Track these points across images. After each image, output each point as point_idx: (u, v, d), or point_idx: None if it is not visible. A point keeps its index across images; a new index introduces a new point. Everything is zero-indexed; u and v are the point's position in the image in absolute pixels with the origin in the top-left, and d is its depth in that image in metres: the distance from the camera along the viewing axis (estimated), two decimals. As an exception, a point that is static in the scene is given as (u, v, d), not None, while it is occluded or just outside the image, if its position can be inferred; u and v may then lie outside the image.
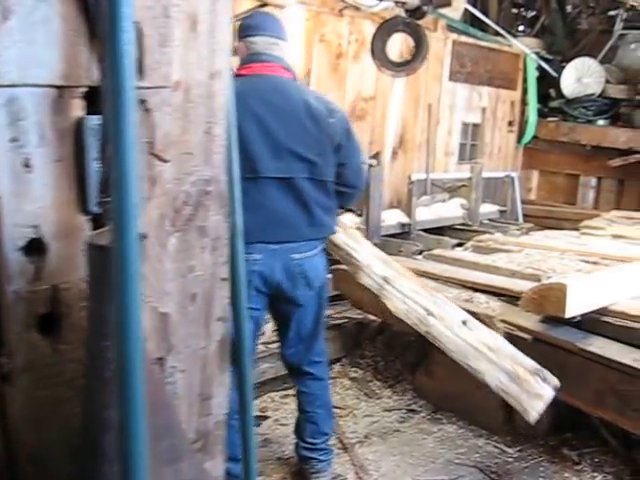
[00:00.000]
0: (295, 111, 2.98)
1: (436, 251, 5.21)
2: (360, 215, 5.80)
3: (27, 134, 1.19)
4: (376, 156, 5.73)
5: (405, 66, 5.53)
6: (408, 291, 3.82)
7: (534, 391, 3.28)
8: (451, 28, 8.10)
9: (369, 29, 6.71)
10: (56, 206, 1.25)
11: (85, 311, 1.27)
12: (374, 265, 3.90)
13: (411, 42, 6.06)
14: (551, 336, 3.56)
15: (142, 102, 1.28)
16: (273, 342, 4.64)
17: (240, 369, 1.51)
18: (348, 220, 5.81)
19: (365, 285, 3.93)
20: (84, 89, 1.26)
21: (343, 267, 4.77)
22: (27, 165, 1.20)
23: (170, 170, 1.34)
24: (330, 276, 4.93)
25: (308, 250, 3.11)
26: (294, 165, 2.95)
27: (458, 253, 5.26)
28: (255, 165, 2.82)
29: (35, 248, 1.24)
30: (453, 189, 6.92)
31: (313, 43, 6.61)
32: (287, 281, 3.07)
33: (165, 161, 1.33)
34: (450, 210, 6.71)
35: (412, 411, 4.36)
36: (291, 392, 4.50)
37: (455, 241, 6.09)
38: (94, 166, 1.25)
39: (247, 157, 2.68)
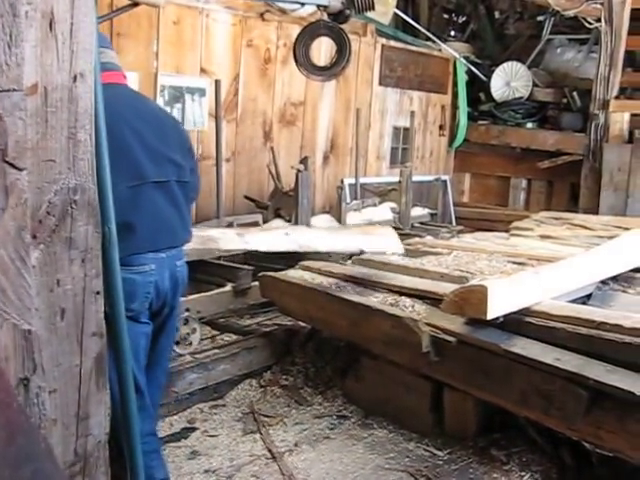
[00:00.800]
0: (157, 116, 3.05)
1: (364, 255, 5.18)
2: (289, 221, 5.75)
3: None
4: (304, 161, 5.70)
5: (328, 70, 5.51)
6: (263, 233, 4.85)
7: (383, 231, 4.55)
8: (380, 33, 8.13)
9: (297, 34, 6.68)
10: None
11: None
12: (227, 233, 4.77)
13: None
14: (475, 338, 3.55)
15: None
16: (201, 352, 4.56)
17: (121, 386, 1.44)
18: (275, 226, 5.78)
19: (234, 250, 4.71)
20: None
21: (271, 274, 4.75)
22: None
23: (28, 179, 1.26)
24: (257, 283, 4.90)
25: (183, 256, 3.12)
26: (168, 168, 2.95)
27: (386, 257, 5.25)
28: (138, 171, 2.77)
29: None
30: (383, 193, 6.93)
31: (240, 48, 6.55)
32: (171, 290, 3.02)
33: (20, 169, 1.25)
34: (381, 214, 6.71)
35: (342, 417, 4.32)
36: (220, 402, 4.43)
37: (386, 245, 6.07)
38: None
39: (129, 164, 2.66)
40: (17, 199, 1.24)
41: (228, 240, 4.58)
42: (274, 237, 4.72)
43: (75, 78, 1.28)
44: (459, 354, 3.60)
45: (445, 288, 4.02)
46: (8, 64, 1.19)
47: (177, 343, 4.43)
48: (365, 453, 3.90)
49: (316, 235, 4.74)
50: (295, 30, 6.72)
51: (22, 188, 1.25)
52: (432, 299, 4.03)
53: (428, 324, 3.75)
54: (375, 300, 4.13)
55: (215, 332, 5.22)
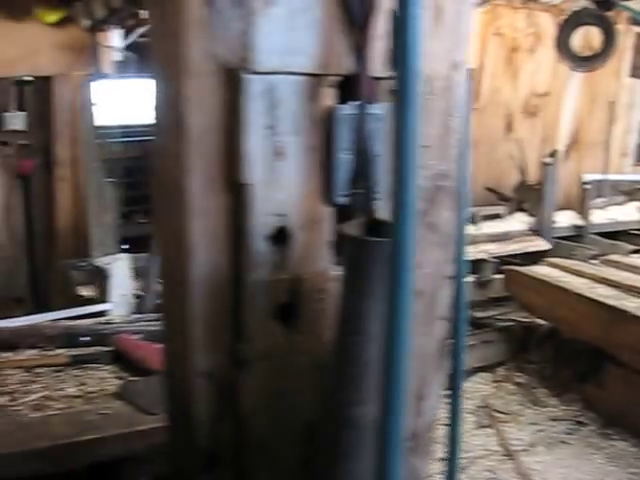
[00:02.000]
0: None
1: (613, 257, 4.94)
2: (533, 215, 5.59)
3: (282, 122, 1.19)
4: (553, 154, 5.51)
5: (592, 60, 5.25)
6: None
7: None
8: (634, 21, 7.63)
9: (547, 22, 6.44)
10: (304, 195, 1.25)
11: (321, 303, 1.28)
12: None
13: (595, 36, 5.75)
14: None
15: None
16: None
17: (454, 372, 1.47)
18: (520, 220, 5.64)
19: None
20: (337, 78, 1.25)
21: (517, 269, 4.67)
22: (280, 153, 1.20)
23: (407, 162, 1.31)
24: (502, 277, 4.84)
25: None
26: None
27: (636, 260, 4.97)
28: None
29: (280, 237, 1.24)
30: (631, 192, 6.52)
31: (487, 36, 6.43)
32: None
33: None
34: (627, 214, 6.32)
35: (580, 423, 4.16)
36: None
37: (632, 247, 5.74)
38: (343, 156, 1.24)
39: None
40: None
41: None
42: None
43: (453, 67, 1.31)
44: None
45: None
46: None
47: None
48: (605, 464, 3.73)
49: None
50: (545, 19, 6.48)
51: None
52: (697, 310, 3.76)
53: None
54: (632, 305, 3.92)
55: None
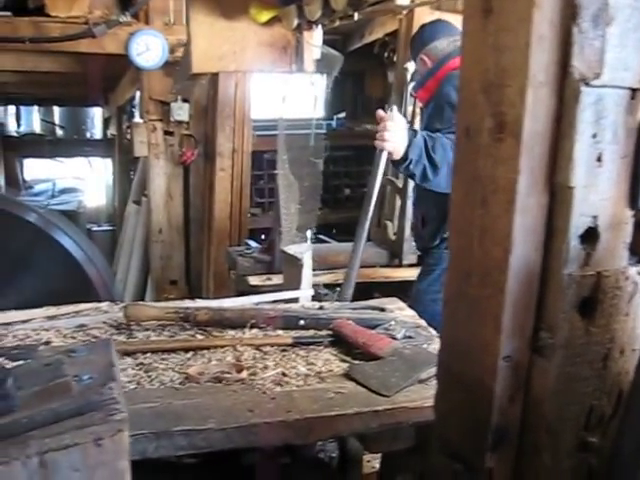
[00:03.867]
0: None
1: None
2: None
3: (603, 131, 1.31)
4: None
5: None
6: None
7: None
8: None
9: None
10: (613, 200, 1.36)
11: (617, 299, 1.38)
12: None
13: None
14: None
15: None
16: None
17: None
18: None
19: None
20: (651, 92, 1.35)
21: None
22: (599, 160, 1.31)
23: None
24: None
25: None
26: None
27: None
28: None
29: (589, 236, 1.35)
30: None
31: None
32: None
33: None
34: None
35: None
36: None
37: None
38: (652, 165, 1.34)
39: None
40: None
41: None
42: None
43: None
44: None
45: None
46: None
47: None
48: None
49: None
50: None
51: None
52: None
53: None
54: None
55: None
